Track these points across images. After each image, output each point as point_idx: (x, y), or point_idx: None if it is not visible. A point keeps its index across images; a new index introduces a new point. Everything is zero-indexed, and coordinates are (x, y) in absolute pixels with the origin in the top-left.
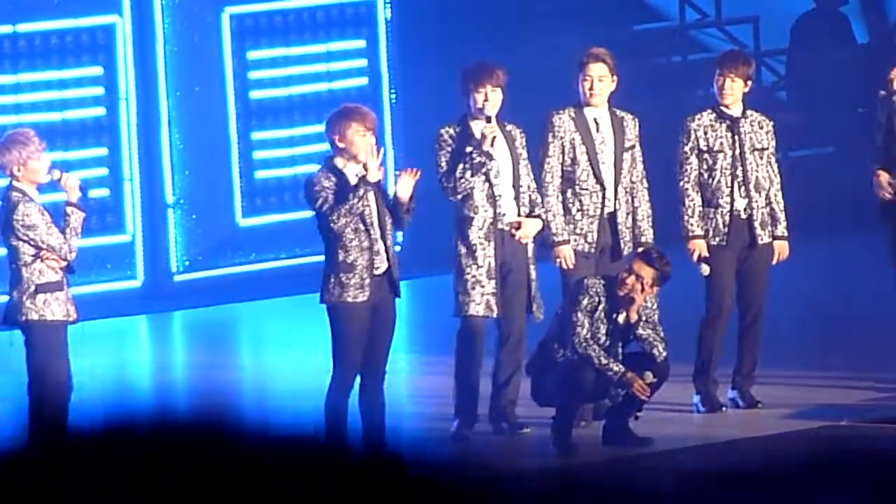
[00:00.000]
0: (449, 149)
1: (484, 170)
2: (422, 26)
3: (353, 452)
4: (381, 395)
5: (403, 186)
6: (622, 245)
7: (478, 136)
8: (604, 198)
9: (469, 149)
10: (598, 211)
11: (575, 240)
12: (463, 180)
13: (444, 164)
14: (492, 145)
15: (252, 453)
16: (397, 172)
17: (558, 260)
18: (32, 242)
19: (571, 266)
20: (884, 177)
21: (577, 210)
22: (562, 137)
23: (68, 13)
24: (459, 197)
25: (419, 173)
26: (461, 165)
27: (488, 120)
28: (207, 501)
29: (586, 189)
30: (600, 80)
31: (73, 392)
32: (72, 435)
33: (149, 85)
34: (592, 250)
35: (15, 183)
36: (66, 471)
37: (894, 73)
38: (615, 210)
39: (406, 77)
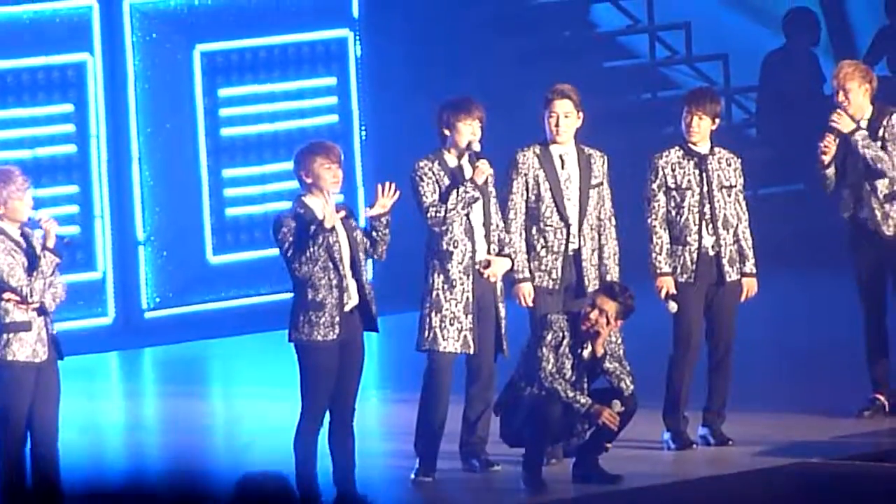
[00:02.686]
0: (430, 181)
1: (474, 204)
2: (392, 64)
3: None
4: (350, 433)
5: (380, 208)
6: (587, 282)
7: (466, 169)
8: (568, 234)
9: (463, 182)
10: (563, 248)
11: (539, 276)
12: (454, 212)
13: (429, 194)
14: (484, 183)
15: None
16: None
17: (518, 297)
18: None
19: (529, 304)
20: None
21: (542, 247)
22: (525, 174)
23: (39, 51)
24: (444, 228)
25: (396, 188)
26: (453, 197)
27: (479, 156)
28: None
29: (550, 226)
30: (566, 116)
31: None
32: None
33: (120, 122)
34: (557, 287)
35: None
36: None
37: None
38: (580, 247)
39: (376, 114)
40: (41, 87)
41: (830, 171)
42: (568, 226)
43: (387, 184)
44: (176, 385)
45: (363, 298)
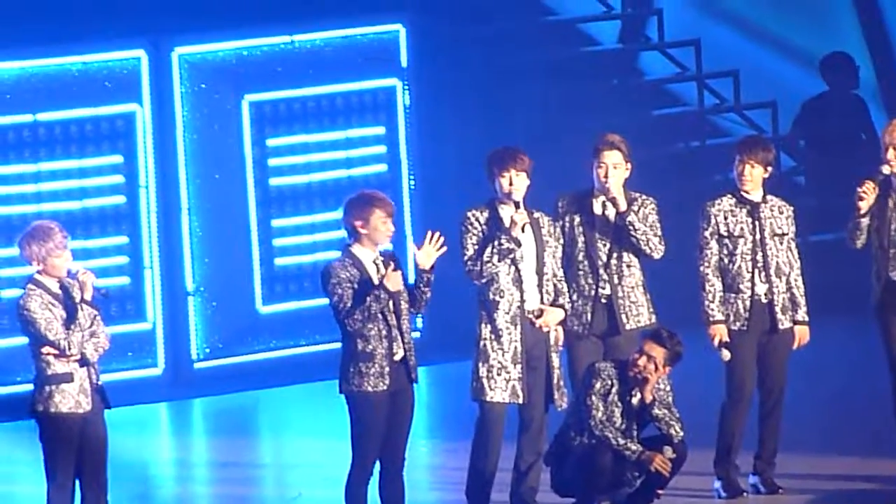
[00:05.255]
0: (475, 232)
1: (511, 256)
2: (441, 113)
3: None
4: (400, 483)
5: (425, 256)
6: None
7: (506, 221)
8: (598, 279)
9: (498, 234)
10: (593, 292)
11: (571, 321)
12: (490, 265)
13: (470, 247)
14: (522, 231)
15: None
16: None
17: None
18: (32, 336)
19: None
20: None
21: (574, 291)
22: (563, 217)
23: (88, 102)
24: (484, 281)
25: (443, 242)
26: (489, 250)
27: (517, 206)
28: None
29: (582, 271)
30: (615, 167)
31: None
32: None
33: (169, 173)
34: (585, 332)
35: (36, 275)
36: None
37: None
38: (612, 291)
39: (425, 163)
40: (90, 138)
41: (866, 221)
42: (596, 270)
43: (436, 234)
44: (226, 436)
45: (405, 349)
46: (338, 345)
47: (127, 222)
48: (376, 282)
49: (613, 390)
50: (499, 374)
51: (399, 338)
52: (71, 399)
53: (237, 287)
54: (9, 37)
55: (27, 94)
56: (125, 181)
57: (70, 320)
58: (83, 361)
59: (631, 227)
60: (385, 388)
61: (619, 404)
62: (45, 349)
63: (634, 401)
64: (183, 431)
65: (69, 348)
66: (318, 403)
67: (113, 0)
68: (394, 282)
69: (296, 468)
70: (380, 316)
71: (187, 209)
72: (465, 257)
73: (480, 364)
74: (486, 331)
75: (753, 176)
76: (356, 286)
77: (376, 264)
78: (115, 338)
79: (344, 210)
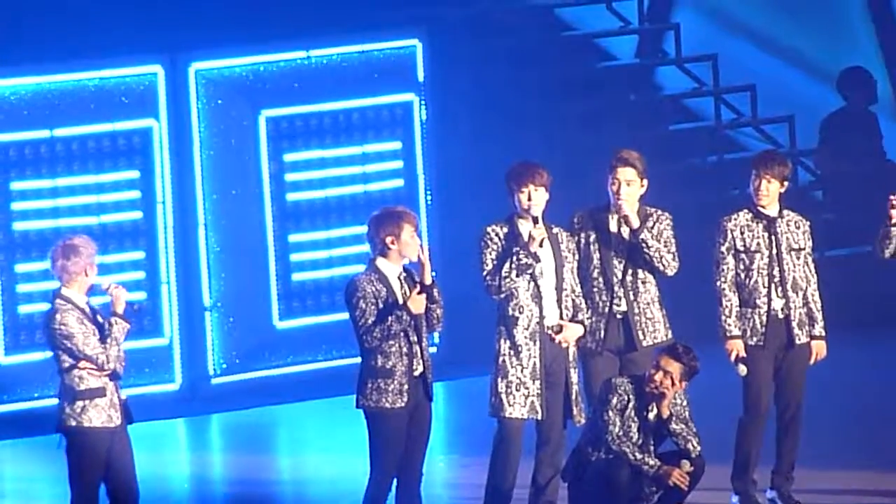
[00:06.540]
0: (495, 247)
1: (529, 271)
2: (457, 128)
3: None
4: (418, 498)
5: (421, 272)
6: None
7: (525, 236)
8: (612, 296)
9: (516, 249)
10: (607, 308)
11: (585, 337)
12: (508, 280)
13: (489, 262)
14: (540, 246)
15: None
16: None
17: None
18: (69, 352)
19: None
20: None
21: (588, 307)
22: (578, 233)
23: (105, 117)
24: (502, 296)
25: (425, 251)
26: (507, 265)
27: (535, 221)
28: None
29: (596, 287)
30: (628, 184)
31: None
32: None
33: (185, 188)
34: (599, 348)
35: (63, 290)
36: None
37: None
38: (627, 309)
39: (442, 178)
40: (107, 153)
41: None
42: (611, 287)
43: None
44: (243, 451)
45: (425, 365)
46: (355, 360)
47: (144, 238)
48: (401, 300)
49: (630, 405)
50: (518, 390)
51: (419, 354)
52: (104, 413)
53: (254, 302)
54: (26, 52)
55: (44, 110)
56: (142, 196)
57: (100, 335)
58: (113, 375)
59: (644, 245)
60: (403, 404)
61: (636, 419)
62: (83, 364)
63: (651, 416)
64: (200, 447)
65: (107, 362)
66: (335, 419)
67: (129, 16)
68: (417, 304)
69: (313, 484)
70: (401, 334)
71: (204, 224)
72: (484, 272)
73: (499, 380)
74: (505, 346)
75: (770, 191)
76: (380, 303)
77: (400, 280)
78: (132, 353)
79: (371, 226)
